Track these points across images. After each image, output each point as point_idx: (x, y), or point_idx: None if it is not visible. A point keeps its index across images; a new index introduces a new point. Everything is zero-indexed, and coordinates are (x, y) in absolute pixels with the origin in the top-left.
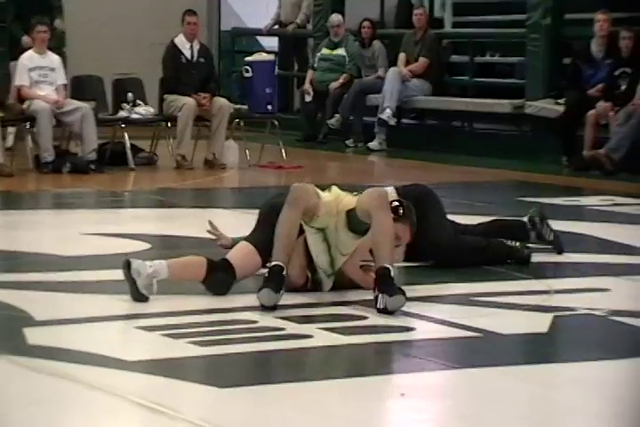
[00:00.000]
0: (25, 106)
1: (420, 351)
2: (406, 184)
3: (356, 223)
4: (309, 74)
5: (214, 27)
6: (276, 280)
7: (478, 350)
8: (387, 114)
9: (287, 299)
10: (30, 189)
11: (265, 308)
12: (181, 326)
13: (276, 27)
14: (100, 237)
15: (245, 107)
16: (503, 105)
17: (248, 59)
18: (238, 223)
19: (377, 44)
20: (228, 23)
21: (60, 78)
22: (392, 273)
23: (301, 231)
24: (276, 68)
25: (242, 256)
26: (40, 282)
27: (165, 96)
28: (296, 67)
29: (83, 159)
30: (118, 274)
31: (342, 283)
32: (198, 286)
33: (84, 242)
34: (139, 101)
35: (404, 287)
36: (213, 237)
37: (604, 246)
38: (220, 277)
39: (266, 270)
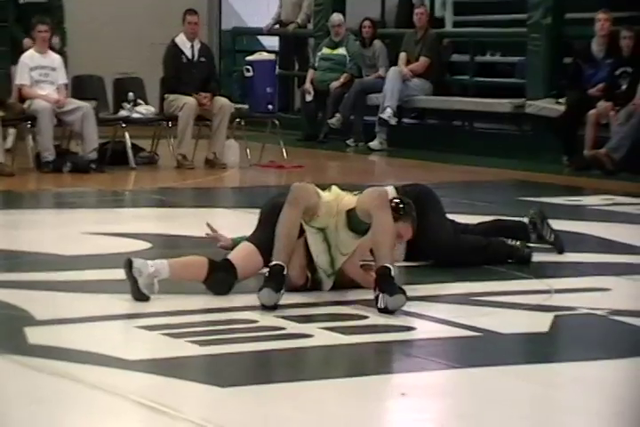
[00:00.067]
0: (26, 105)
1: (420, 351)
2: (406, 184)
3: (357, 223)
4: (310, 73)
5: (215, 26)
6: (276, 280)
7: (479, 350)
8: (387, 113)
9: (287, 298)
10: (31, 188)
11: (265, 307)
12: (182, 325)
13: (277, 26)
14: (101, 236)
15: (246, 106)
16: (504, 104)
17: (249, 58)
18: (239, 223)
19: (378, 43)
20: (229, 22)
21: (61, 78)
22: (393, 273)
23: (302, 231)
24: (277, 67)
25: (243, 256)
26: (41, 281)
27: (166, 95)
28: (297, 66)
29: (83, 159)
30: (119, 273)
31: (342, 283)
32: (199, 286)
33: (84, 241)
34: (139, 101)
35: (404, 287)
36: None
37: (605, 246)
38: (221, 277)
39: (266, 270)
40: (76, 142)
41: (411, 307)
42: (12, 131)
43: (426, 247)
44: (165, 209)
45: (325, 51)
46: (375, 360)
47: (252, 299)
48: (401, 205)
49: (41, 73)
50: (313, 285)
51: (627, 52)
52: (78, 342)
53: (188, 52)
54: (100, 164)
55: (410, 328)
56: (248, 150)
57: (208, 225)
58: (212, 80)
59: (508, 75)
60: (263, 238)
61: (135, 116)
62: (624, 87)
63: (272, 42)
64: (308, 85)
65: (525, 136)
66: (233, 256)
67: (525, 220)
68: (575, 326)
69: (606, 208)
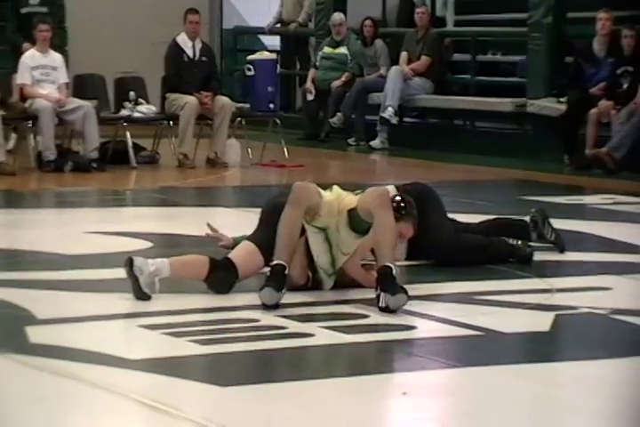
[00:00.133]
0: (27, 104)
1: (421, 350)
2: (407, 183)
3: (358, 223)
4: (311, 72)
5: (216, 25)
6: (277, 279)
7: (480, 349)
8: (389, 112)
9: (289, 298)
10: (32, 187)
11: (266, 307)
12: (183, 324)
13: (278, 25)
14: (102, 235)
15: (247, 105)
16: (505, 104)
17: (250, 57)
18: (240, 222)
19: (379, 42)
20: (230, 22)
21: (62, 77)
22: (394, 272)
23: (303, 231)
24: (278, 66)
25: (244, 255)
26: (42, 280)
27: (167, 95)
28: (298, 65)
29: (85, 158)
30: (120, 272)
31: (343, 282)
32: (200, 285)
33: (85, 240)
34: (141, 100)
35: (405, 286)
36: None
37: (606, 245)
38: (222, 276)
39: (268, 269)
40: (78, 141)
41: (412, 306)
42: (13, 135)
43: (427, 246)
44: (166, 208)
45: (327, 50)
46: (376, 359)
47: (254, 298)
48: (402, 204)
49: (42, 72)
50: (314, 284)
51: (628, 52)
52: (79, 341)
53: (190, 52)
54: (102, 163)
55: (411, 327)
56: (249, 149)
57: (208, 225)
58: (213, 79)
59: (510, 74)
60: (264, 238)
61: (136, 115)
62: (625, 86)
63: (273, 41)
64: (309, 84)
65: (526, 135)
66: (234, 255)
67: (527, 218)
68: (576, 325)
69: (607, 207)
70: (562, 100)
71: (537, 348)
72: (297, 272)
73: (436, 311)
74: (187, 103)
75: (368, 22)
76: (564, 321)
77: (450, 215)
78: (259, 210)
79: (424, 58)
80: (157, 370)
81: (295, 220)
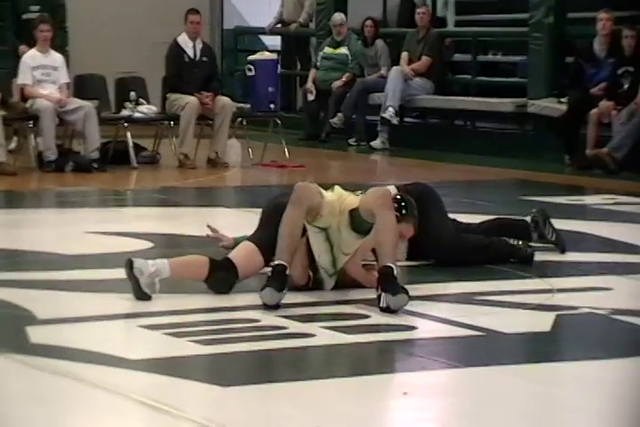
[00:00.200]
0: (28, 105)
1: (422, 350)
2: (407, 183)
3: (359, 223)
4: (312, 73)
5: (217, 25)
6: (278, 279)
7: (480, 349)
8: (389, 113)
9: (289, 298)
10: (33, 187)
11: (267, 307)
12: (184, 324)
13: (279, 25)
14: (103, 235)
15: (248, 105)
16: (506, 104)
17: (251, 57)
18: (240, 222)
19: (379, 42)
20: (231, 22)
21: (63, 77)
22: (395, 272)
23: (304, 231)
24: (279, 66)
25: (244, 256)
26: (43, 281)
27: (168, 95)
28: (299, 65)
29: (85, 158)
30: (121, 273)
31: (344, 282)
32: (200, 285)
33: (86, 241)
34: (141, 100)
35: (406, 286)
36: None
37: (607, 245)
38: (222, 277)
39: (269, 269)
40: (78, 142)
41: (413, 306)
42: (15, 138)
43: (427, 246)
44: (167, 208)
45: (327, 50)
46: (377, 359)
47: (254, 298)
48: (403, 204)
49: (43, 72)
50: (315, 284)
51: (628, 52)
52: (80, 341)
53: (190, 52)
54: (102, 163)
55: (412, 328)
56: (250, 150)
57: (209, 226)
58: (213, 79)
59: (510, 74)
60: (264, 238)
61: (137, 115)
62: (626, 86)
63: (274, 41)
64: (309, 85)
65: (527, 135)
66: (234, 255)
67: (527, 219)
68: (577, 325)
69: (608, 207)
70: (562, 100)
71: (538, 348)
72: (298, 272)
73: (436, 312)
74: (187, 103)
75: (369, 22)
76: (564, 321)
77: (451, 215)
78: (259, 210)
79: (425, 58)
80: (158, 370)
81: (297, 220)
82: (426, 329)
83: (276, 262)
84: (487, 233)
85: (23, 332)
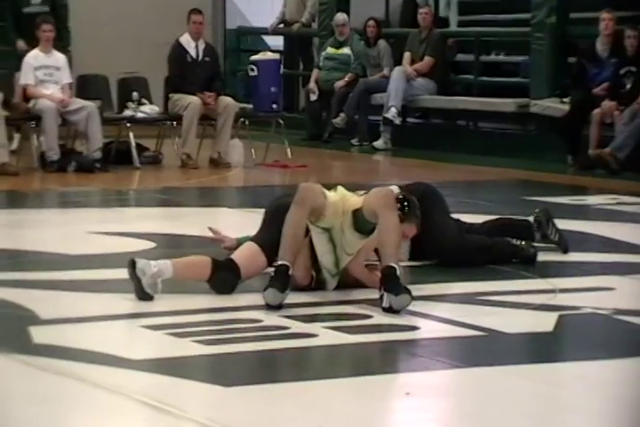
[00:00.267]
0: (30, 105)
1: (424, 350)
2: (409, 183)
3: (362, 223)
4: (314, 73)
5: (219, 25)
6: (281, 280)
7: (483, 350)
8: (392, 113)
9: (292, 298)
10: (35, 187)
11: (270, 307)
12: (186, 324)
13: (282, 26)
14: (105, 235)
15: (250, 106)
16: (508, 104)
17: (253, 58)
18: (243, 222)
19: (382, 43)
20: (234, 22)
21: (66, 77)
22: (398, 272)
23: (307, 231)
24: (282, 66)
25: (247, 256)
26: (45, 281)
27: (171, 95)
28: (301, 66)
29: (88, 158)
30: (123, 273)
31: (347, 282)
32: (203, 286)
33: (88, 241)
34: (144, 100)
35: (409, 286)
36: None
37: (609, 245)
38: (224, 277)
39: (272, 270)
40: (81, 142)
41: (415, 306)
42: (16, 135)
43: (430, 247)
44: (169, 208)
45: (330, 50)
46: (380, 360)
47: (257, 298)
48: (405, 204)
49: (45, 72)
50: (317, 284)
51: (631, 52)
52: (82, 341)
53: (193, 52)
54: (105, 163)
55: (414, 328)
56: (252, 150)
57: (210, 229)
58: (216, 79)
59: (513, 74)
60: (267, 238)
61: (139, 115)
62: (628, 86)
63: (276, 41)
64: (312, 85)
65: (529, 136)
66: (236, 256)
67: (530, 218)
68: (579, 325)
69: (610, 208)
70: (565, 100)
71: (540, 348)
72: (301, 273)
73: (439, 312)
74: (190, 103)
75: (371, 23)
76: (567, 321)
77: (454, 215)
78: (262, 210)
79: (427, 58)
80: (160, 370)
81: (300, 220)
82: (428, 329)
83: (278, 263)
84: (490, 233)
85: (26, 332)
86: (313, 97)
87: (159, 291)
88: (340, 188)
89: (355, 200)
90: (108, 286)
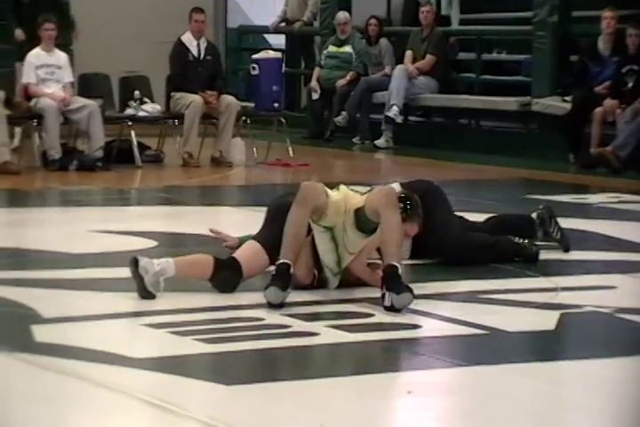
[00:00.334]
0: (32, 104)
1: (426, 349)
2: (411, 180)
3: (365, 222)
4: (316, 71)
5: (221, 24)
6: (283, 278)
7: (485, 348)
8: (393, 111)
9: (294, 297)
10: (37, 186)
11: (271, 306)
12: (188, 323)
13: (283, 24)
14: (107, 234)
15: (252, 104)
16: (510, 102)
17: (255, 56)
18: (245, 221)
19: (384, 41)
20: (235, 21)
21: (67, 76)
22: (399, 271)
23: (309, 230)
24: (283, 65)
25: (249, 255)
26: (47, 279)
27: (172, 94)
28: (303, 64)
29: (89, 157)
30: (125, 271)
31: (349, 281)
32: (205, 284)
33: (90, 239)
34: (145, 99)
35: (410, 285)
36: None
37: (611, 244)
38: (226, 276)
39: (273, 268)
40: (83, 141)
41: (417, 305)
42: (17, 130)
43: (433, 245)
44: (171, 207)
45: (331, 49)
46: (381, 358)
47: (259, 297)
48: (407, 202)
49: (47, 71)
50: (319, 283)
51: (633, 50)
52: (84, 339)
53: (195, 51)
54: (106, 162)
55: (416, 326)
56: (254, 149)
57: (212, 231)
58: (218, 78)
59: (514, 73)
60: (269, 237)
61: (141, 114)
62: (630, 85)
63: (278, 40)
64: (314, 83)
65: (531, 134)
66: (238, 255)
67: (534, 215)
68: (581, 323)
69: (612, 206)
70: (567, 98)
71: (542, 347)
72: (303, 272)
73: (441, 310)
74: (192, 102)
75: (373, 21)
76: (568, 320)
77: (457, 213)
78: (264, 209)
79: (429, 57)
80: (162, 369)
81: (302, 219)
82: (430, 328)
83: (280, 261)
84: (492, 231)
85: (27, 330)
86: (315, 95)
87: (161, 289)
88: (342, 187)
89: (357, 199)
90: (110, 284)
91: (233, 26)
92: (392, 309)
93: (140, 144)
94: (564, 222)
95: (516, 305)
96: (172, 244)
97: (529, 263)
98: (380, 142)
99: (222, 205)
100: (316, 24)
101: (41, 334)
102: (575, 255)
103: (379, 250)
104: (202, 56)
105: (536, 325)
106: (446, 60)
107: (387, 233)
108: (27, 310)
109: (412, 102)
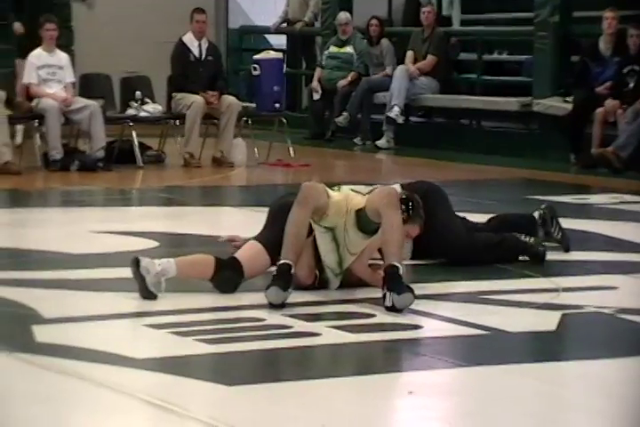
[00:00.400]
0: (33, 104)
1: (427, 349)
2: (412, 181)
3: (366, 223)
4: (317, 72)
5: (222, 25)
6: (284, 278)
7: (486, 348)
8: (395, 112)
9: (295, 297)
10: (38, 186)
11: (273, 306)
12: (189, 323)
13: (284, 25)
14: (108, 234)
15: (253, 105)
16: (511, 103)
17: (256, 57)
18: (246, 221)
19: (385, 41)
20: (236, 21)
21: (69, 76)
22: (400, 271)
23: (311, 230)
24: (284, 66)
25: (250, 255)
26: (48, 280)
27: (174, 94)
28: (304, 65)
29: (91, 157)
30: (126, 272)
31: (350, 281)
32: (206, 284)
33: (91, 240)
34: (147, 99)
35: (412, 285)
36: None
37: (612, 244)
38: (227, 276)
39: (274, 269)
40: (84, 141)
41: (418, 305)
42: (19, 127)
43: (437, 246)
44: (172, 208)
45: (333, 49)
46: (382, 359)
47: (260, 297)
48: (409, 203)
49: (48, 71)
50: (320, 284)
51: (634, 51)
52: (86, 340)
53: (196, 51)
54: (108, 162)
55: (417, 327)
56: (255, 149)
57: (223, 239)
58: (219, 79)
59: (516, 73)
60: (270, 238)
61: (142, 114)
62: (631, 85)
63: (279, 40)
64: (315, 84)
65: (532, 134)
66: (240, 255)
67: (536, 214)
68: (582, 324)
69: (613, 207)
70: (568, 99)
71: (543, 347)
72: (304, 272)
73: (442, 311)
74: (193, 103)
75: (374, 21)
76: (570, 320)
77: (459, 214)
78: (265, 209)
79: (430, 57)
80: (163, 369)
81: (303, 219)
82: (431, 328)
83: (281, 262)
84: (495, 231)
85: (29, 331)
86: (316, 96)
87: (163, 290)
88: (343, 187)
89: (358, 200)
90: (112, 284)
91: (234, 26)
92: (393, 309)
93: (141, 144)
94: (565, 223)
95: (517, 306)
96: (174, 244)
97: (532, 263)
98: (381, 143)
99: (223, 205)
100: (318, 24)
101: (42, 334)
102: (576, 256)
103: (380, 250)
104: (203, 56)
105: (537, 325)
106: (447, 61)
107: (388, 233)
108: (28, 311)
109: (414, 103)
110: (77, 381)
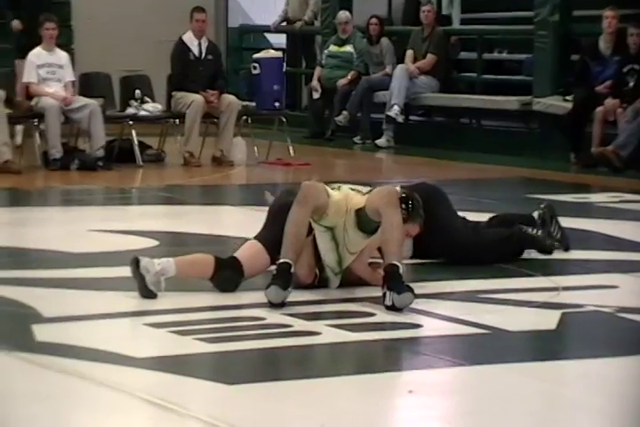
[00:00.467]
0: (33, 103)
1: (427, 348)
2: (412, 184)
3: (366, 222)
4: (317, 71)
5: (222, 24)
6: (283, 277)
7: (486, 347)
8: (394, 111)
9: (295, 296)
10: (38, 185)
11: (273, 305)
12: (189, 322)
13: (284, 24)
14: (108, 233)
15: (253, 104)
16: (511, 102)
17: (256, 56)
18: (246, 220)
19: (385, 40)
20: (236, 20)
21: (69, 75)
22: (400, 270)
23: (311, 230)
24: (284, 64)
25: (250, 254)
26: (48, 279)
27: (173, 93)
28: (304, 64)
29: (91, 156)
30: (126, 271)
31: (350, 280)
32: (206, 284)
33: (91, 239)
34: (146, 98)
35: (412, 284)
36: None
37: (612, 243)
38: (227, 275)
39: (274, 268)
40: (84, 140)
41: (418, 304)
42: (19, 127)
43: (438, 245)
44: (172, 206)
45: (332, 48)
46: (382, 358)
47: (260, 296)
48: (409, 202)
49: (48, 71)
50: (320, 283)
51: (634, 50)
52: (85, 339)
53: (196, 50)
54: (108, 161)
55: (417, 326)
56: (255, 148)
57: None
58: (219, 78)
59: (516, 72)
60: (270, 237)
61: (142, 113)
62: (631, 84)
63: (279, 39)
64: (315, 83)
65: (532, 133)
66: (239, 254)
67: (535, 214)
68: (582, 323)
69: (613, 205)
70: (568, 98)
71: (543, 346)
72: (304, 271)
73: (442, 310)
74: (193, 101)
75: (374, 20)
76: (570, 319)
77: (460, 214)
78: (265, 208)
79: (430, 56)
80: (163, 368)
81: (302, 219)
82: (431, 327)
83: (281, 261)
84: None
85: (28, 330)
86: (315, 95)
87: (162, 289)
88: (343, 186)
89: (358, 199)
90: (111, 283)
91: (234, 25)
92: (393, 308)
93: (141, 143)
94: (565, 222)
95: (518, 304)
96: (173, 243)
97: (530, 263)
98: (381, 142)
99: (223, 204)
100: (317, 23)
101: (42, 333)
102: (576, 255)
103: (380, 249)
104: (203, 55)
105: (537, 324)
106: (447, 60)
107: (388, 232)
108: (27, 310)
109: (413, 102)
110: (77, 380)
